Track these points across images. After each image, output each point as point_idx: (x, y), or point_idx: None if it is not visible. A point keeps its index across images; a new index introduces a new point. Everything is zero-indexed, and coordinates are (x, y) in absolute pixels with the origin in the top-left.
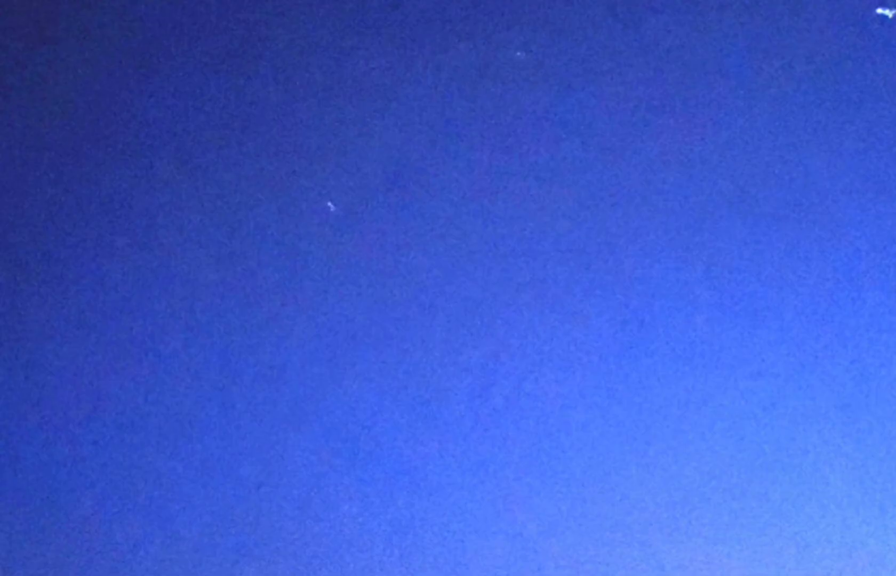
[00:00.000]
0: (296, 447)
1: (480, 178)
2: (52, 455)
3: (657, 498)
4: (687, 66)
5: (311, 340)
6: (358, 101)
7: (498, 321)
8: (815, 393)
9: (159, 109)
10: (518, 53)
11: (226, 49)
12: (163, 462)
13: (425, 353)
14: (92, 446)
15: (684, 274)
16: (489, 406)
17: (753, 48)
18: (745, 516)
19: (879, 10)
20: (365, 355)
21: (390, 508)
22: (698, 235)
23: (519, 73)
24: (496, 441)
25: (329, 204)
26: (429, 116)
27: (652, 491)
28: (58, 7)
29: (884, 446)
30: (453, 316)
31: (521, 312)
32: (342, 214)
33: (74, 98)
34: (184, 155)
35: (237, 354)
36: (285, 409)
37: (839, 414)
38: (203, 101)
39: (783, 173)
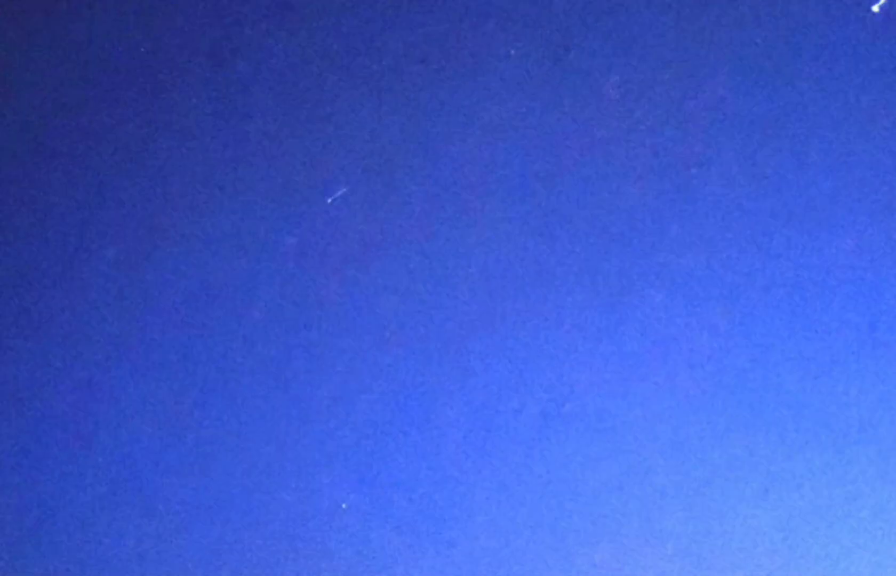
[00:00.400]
0: (296, 447)
1: (481, 177)
2: (53, 455)
3: (659, 498)
4: (684, 65)
5: (311, 340)
6: (358, 99)
7: (498, 321)
8: (816, 392)
9: (159, 109)
10: (513, 52)
11: (225, 49)
12: (162, 462)
13: (425, 353)
14: (92, 445)
15: (684, 274)
16: (490, 406)
17: (751, 45)
18: (745, 516)
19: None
20: (365, 355)
21: (390, 508)
22: (698, 236)
23: (516, 72)
24: (497, 441)
25: (328, 199)
26: (428, 116)
27: (653, 492)
28: (58, 7)
29: (885, 445)
30: (454, 316)
31: (522, 312)
32: (342, 213)
33: (75, 98)
34: (184, 155)
35: (237, 354)
36: (285, 409)
37: (840, 414)
38: (203, 100)
39: (782, 172)
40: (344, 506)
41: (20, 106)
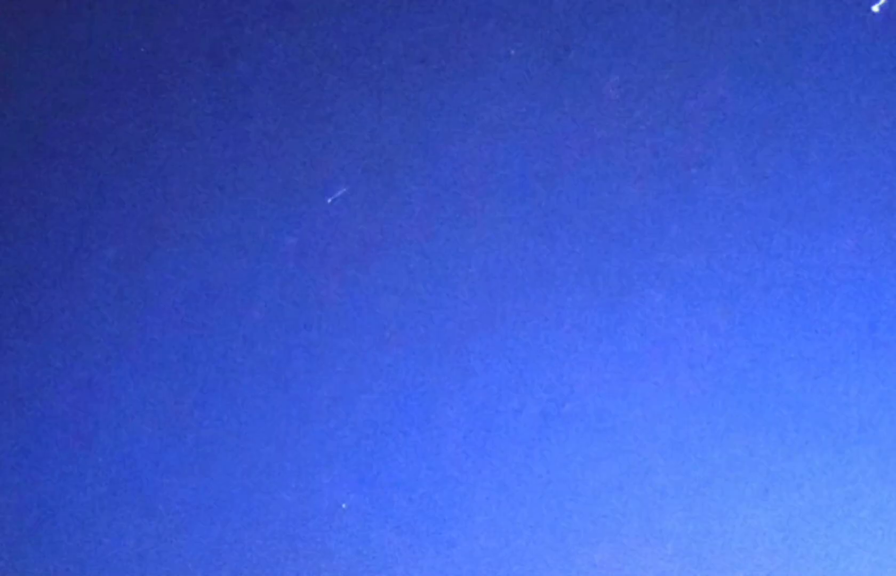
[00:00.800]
0: (296, 447)
1: (481, 177)
2: (53, 455)
3: (659, 498)
4: (684, 65)
5: (311, 340)
6: (358, 99)
7: (498, 321)
8: (816, 392)
9: (159, 109)
10: (513, 52)
11: (225, 49)
12: (162, 462)
13: (425, 353)
14: (92, 445)
15: (684, 274)
16: (490, 406)
17: (751, 45)
18: (745, 516)
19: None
20: (365, 355)
21: (390, 508)
22: (698, 236)
23: (516, 72)
24: (497, 441)
25: (328, 199)
26: (428, 116)
27: (653, 492)
28: (58, 7)
29: (886, 445)
30: (454, 316)
31: (522, 312)
32: (342, 213)
33: (75, 98)
34: (184, 155)
35: (237, 354)
36: (285, 409)
37: (840, 414)
38: (203, 100)
39: (782, 172)
40: (344, 506)
41: (20, 106)
